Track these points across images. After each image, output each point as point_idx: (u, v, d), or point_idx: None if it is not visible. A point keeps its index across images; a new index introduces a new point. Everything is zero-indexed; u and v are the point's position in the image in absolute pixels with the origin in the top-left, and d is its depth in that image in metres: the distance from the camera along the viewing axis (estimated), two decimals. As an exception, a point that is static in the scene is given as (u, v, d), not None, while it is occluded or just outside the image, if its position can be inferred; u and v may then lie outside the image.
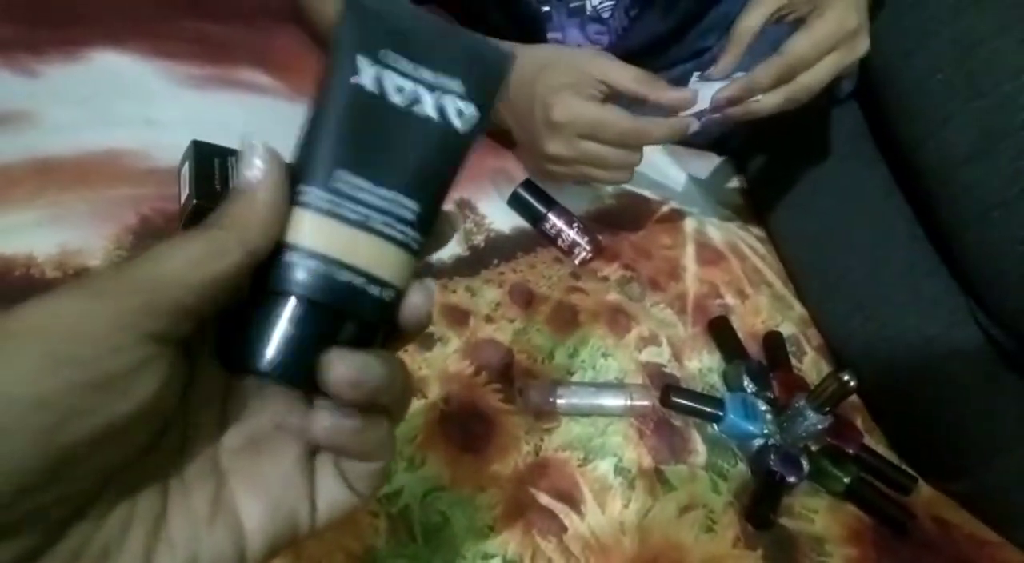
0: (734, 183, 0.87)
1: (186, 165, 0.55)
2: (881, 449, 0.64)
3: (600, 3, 0.74)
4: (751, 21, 0.60)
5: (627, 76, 0.60)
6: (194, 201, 0.52)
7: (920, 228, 0.70)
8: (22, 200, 0.52)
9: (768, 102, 0.59)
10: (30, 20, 0.66)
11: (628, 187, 0.79)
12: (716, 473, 0.57)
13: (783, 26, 0.61)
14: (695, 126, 0.62)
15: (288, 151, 0.68)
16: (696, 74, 0.63)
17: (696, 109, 0.61)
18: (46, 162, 0.55)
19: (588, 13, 0.74)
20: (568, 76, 0.61)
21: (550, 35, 0.75)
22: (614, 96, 0.62)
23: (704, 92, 0.61)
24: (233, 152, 0.56)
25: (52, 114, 0.59)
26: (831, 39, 0.58)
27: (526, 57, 0.64)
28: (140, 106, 0.63)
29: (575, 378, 0.59)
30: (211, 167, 0.55)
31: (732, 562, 0.52)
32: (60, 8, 0.69)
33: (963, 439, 0.61)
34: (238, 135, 0.58)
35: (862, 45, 0.59)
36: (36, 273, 0.48)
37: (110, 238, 0.52)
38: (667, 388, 0.59)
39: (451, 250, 0.65)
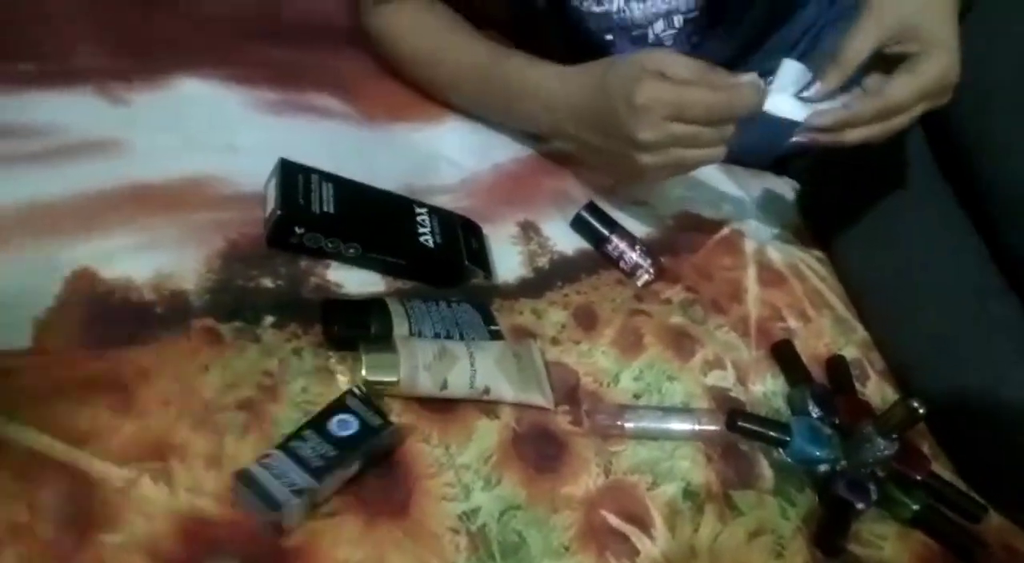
0: (793, 203, 0.87)
1: (272, 181, 0.58)
2: (948, 475, 0.64)
3: (663, 31, 0.75)
4: (860, 48, 0.59)
5: (687, 65, 0.60)
6: (278, 212, 0.55)
7: (985, 252, 0.70)
8: (118, 225, 0.55)
9: (855, 136, 0.60)
10: (118, 50, 0.69)
11: (688, 208, 0.80)
12: (784, 498, 0.57)
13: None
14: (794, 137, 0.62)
15: (355, 173, 0.70)
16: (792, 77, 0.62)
17: (790, 114, 0.61)
18: (138, 188, 0.58)
19: (650, 41, 0.76)
20: (634, 67, 0.61)
21: None
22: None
23: (794, 106, 0.61)
24: (316, 171, 0.59)
25: (142, 141, 0.61)
26: (933, 89, 0.58)
27: (586, 71, 0.65)
28: (221, 132, 0.66)
29: (641, 402, 0.60)
30: (295, 183, 0.58)
31: (802, 588, 0.52)
32: (144, 37, 0.72)
33: (1034, 468, 0.60)
34: (312, 159, 0.61)
35: (950, 95, 0.60)
36: (135, 296, 0.51)
37: (201, 262, 0.54)
38: (733, 413, 0.59)
39: (516, 272, 0.66)
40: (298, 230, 0.56)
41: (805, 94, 0.62)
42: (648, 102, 0.59)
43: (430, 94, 0.77)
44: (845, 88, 0.62)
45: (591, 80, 0.64)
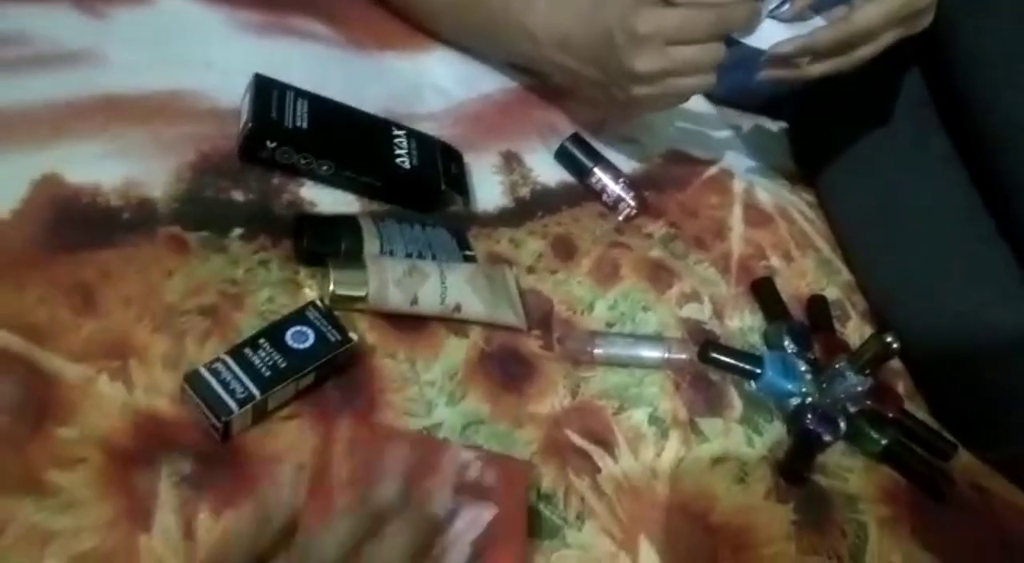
0: (785, 146, 0.86)
1: (247, 96, 0.57)
2: (921, 415, 0.63)
3: None
4: None
5: None
6: (249, 125, 0.54)
7: (977, 196, 0.69)
8: (88, 133, 0.54)
9: (817, 69, 0.59)
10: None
11: (678, 146, 0.78)
12: (751, 428, 0.57)
13: None
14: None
15: (335, 96, 0.68)
16: None
17: (758, 43, 0.60)
18: (111, 99, 0.57)
19: None
20: None
21: None
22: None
23: (769, 30, 0.60)
24: (291, 87, 0.58)
25: (117, 54, 0.60)
26: (903, 13, 0.56)
27: (574, 1, 0.63)
28: (200, 50, 0.64)
29: (614, 330, 0.59)
30: (269, 97, 0.57)
31: (763, 514, 0.53)
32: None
33: (1008, 408, 0.60)
34: (292, 80, 0.60)
35: (925, 20, 0.58)
36: (101, 202, 0.51)
37: (171, 172, 0.54)
38: (706, 343, 0.59)
39: (497, 201, 0.65)
40: (270, 144, 0.55)
41: (777, 12, 0.60)
42: (652, 29, 0.57)
43: (414, 24, 0.75)
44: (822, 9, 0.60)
45: (580, 10, 0.62)
